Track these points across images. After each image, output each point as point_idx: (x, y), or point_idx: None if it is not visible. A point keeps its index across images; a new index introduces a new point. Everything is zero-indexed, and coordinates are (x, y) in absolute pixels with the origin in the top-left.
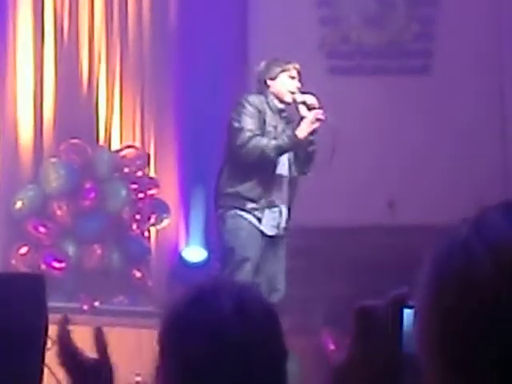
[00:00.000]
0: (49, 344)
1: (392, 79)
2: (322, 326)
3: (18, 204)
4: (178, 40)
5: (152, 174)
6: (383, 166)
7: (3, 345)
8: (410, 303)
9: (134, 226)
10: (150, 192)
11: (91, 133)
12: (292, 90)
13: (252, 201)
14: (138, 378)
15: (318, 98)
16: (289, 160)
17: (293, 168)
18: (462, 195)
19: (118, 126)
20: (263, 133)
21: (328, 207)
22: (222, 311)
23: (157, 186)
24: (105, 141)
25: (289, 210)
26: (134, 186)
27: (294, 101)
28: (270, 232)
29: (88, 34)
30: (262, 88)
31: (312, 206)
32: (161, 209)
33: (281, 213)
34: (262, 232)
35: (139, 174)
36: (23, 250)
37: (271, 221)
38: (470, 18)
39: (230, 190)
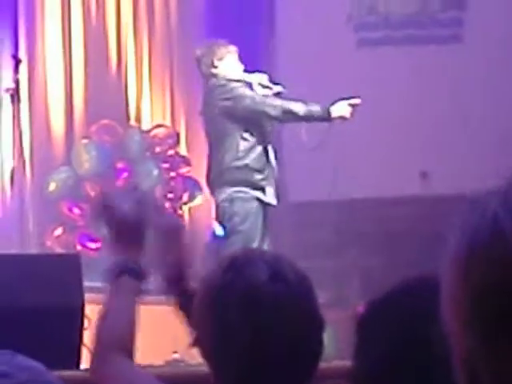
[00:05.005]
0: (86, 323)
1: (421, 49)
2: (356, 299)
3: (52, 186)
4: (206, 16)
5: (184, 152)
6: (415, 136)
7: (41, 324)
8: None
9: (167, 205)
10: (181, 170)
11: (122, 113)
12: (240, 71)
13: (259, 171)
14: (176, 355)
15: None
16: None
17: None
18: (494, 165)
19: (149, 106)
20: None
21: (360, 179)
22: (258, 279)
23: (188, 164)
24: (135, 120)
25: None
26: (166, 165)
27: (240, 81)
28: (273, 201)
29: (115, 14)
30: (208, 70)
31: (344, 178)
32: (193, 187)
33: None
34: (264, 204)
35: (171, 152)
36: (58, 231)
37: (273, 190)
38: None
39: (238, 164)
